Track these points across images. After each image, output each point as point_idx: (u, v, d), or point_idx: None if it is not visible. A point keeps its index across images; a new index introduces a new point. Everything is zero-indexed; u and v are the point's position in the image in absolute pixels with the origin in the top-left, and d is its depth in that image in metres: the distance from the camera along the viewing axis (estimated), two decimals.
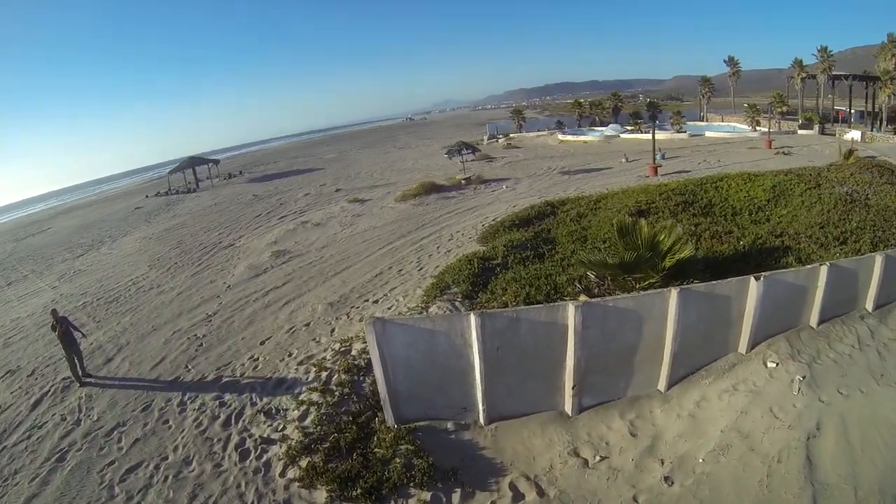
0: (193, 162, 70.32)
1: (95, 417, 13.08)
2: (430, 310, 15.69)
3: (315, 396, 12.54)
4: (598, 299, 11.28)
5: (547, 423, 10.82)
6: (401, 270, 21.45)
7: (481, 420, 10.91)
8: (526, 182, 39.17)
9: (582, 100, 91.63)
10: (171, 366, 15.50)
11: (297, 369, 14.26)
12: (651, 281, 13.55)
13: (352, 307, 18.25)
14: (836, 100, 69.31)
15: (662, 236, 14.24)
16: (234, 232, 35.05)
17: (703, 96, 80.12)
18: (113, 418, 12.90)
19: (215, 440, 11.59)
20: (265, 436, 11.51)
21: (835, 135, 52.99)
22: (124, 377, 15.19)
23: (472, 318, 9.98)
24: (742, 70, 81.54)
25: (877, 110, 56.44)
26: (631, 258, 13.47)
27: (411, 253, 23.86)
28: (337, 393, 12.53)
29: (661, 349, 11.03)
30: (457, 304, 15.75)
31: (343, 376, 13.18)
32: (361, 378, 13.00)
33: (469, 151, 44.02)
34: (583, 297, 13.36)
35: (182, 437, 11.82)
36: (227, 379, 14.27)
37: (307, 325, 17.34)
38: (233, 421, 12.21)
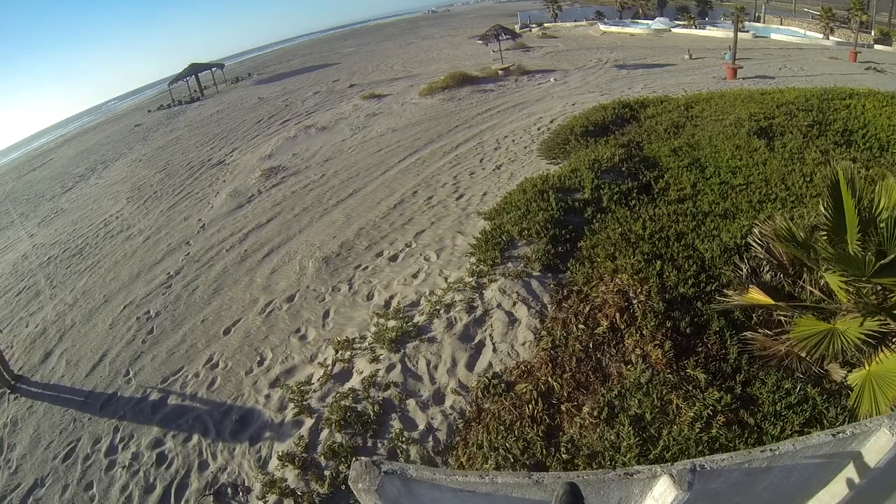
0: (195, 69, 62.04)
1: (14, 467, 8.61)
2: (488, 293, 8.99)
3: (291, 476, 6.75)
4: None
5: None
6: (430, 199, 14.59)
7: None
8: (577, 75, 31.07)
9: None
10: (111, 371, 10.61)
11: (268, 398, 8.44)
12: None
13: (356, 267, 11.70)
14: None
15: None
16: (228, 144, 28.41)
17: None
18: (32, 471, 8.44)
19: None
20: None
21: None
22: (58, 386, 10.67)
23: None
24: None
25: None
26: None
27: (444, 168, 16.87)
28: (327, 478, 6.53)
29: None
30: (533, 282, 9.00)
31: (337, 436, 7.08)
32: (368, 443, 6.94)
33: (508, 37, 36.47)
34: (755, 296, 6.67)
35: None
36: (173, 401, 9.16)
37: (290, 299, 11.17)
38: (171, 501, 7.09)
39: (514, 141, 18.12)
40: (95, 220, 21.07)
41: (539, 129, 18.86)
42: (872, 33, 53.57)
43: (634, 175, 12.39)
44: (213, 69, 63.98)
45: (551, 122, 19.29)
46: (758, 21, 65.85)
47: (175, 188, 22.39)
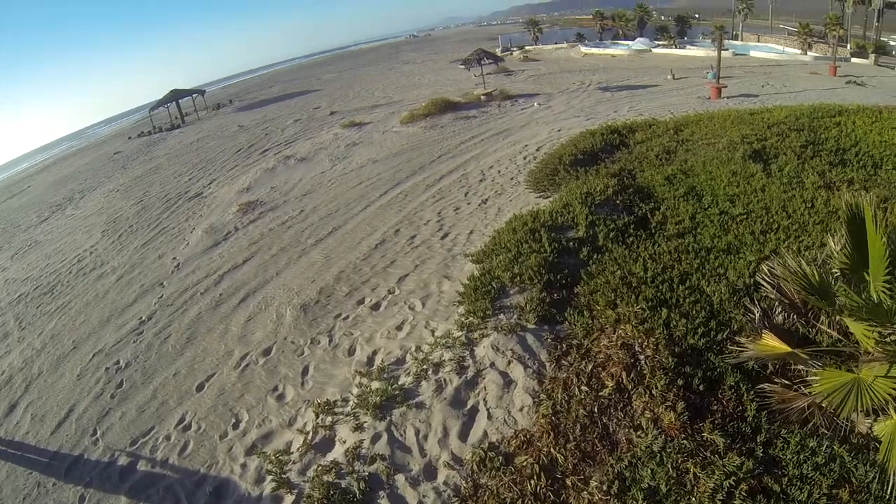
0: (176, 95, 60.96)
1: None
2: (480, 351, 8.17)
3: None
4: None
5: None
6: (413, 238, 13.78)
7: None
8: (561, 99, 30.48)
9: (604, 11, 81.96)
10: (77, 428, 9.80)
11: (244, 467, 7.65)
12: None
13: (336, 317, 10.86)
14: (881, 30, 60.34)
15: None
16: (206, 175, 27.49)
17: (740, 13, 70.56)
18: None
19: None
20: None
21: (894, 67, 45.68)
22: (22, 444, 9.86)
23: None
24: None
25: None
26: None
27: (427, 203, 16.07)
28: None
29: None
30: (529, 337, 8.23)
31: None
32: None
33: (491, 61, 35.91)
34: (769, 343, 6.02)
35: None
36: (142, 467, 8.33)
37: (267, 352, 10.31)
38: None
39: (499, 172, 17.44)
40: (69, 255, 20.21)
41: (525, 157, 18.23)
42: (849, 47, 54.33)
43: (629, 208, 11.72)
44: (194, 95, 63.06)
45: (537, 149, 18.68)
46: (736, 39, 66.37)
47: (151, 222, 21.50)
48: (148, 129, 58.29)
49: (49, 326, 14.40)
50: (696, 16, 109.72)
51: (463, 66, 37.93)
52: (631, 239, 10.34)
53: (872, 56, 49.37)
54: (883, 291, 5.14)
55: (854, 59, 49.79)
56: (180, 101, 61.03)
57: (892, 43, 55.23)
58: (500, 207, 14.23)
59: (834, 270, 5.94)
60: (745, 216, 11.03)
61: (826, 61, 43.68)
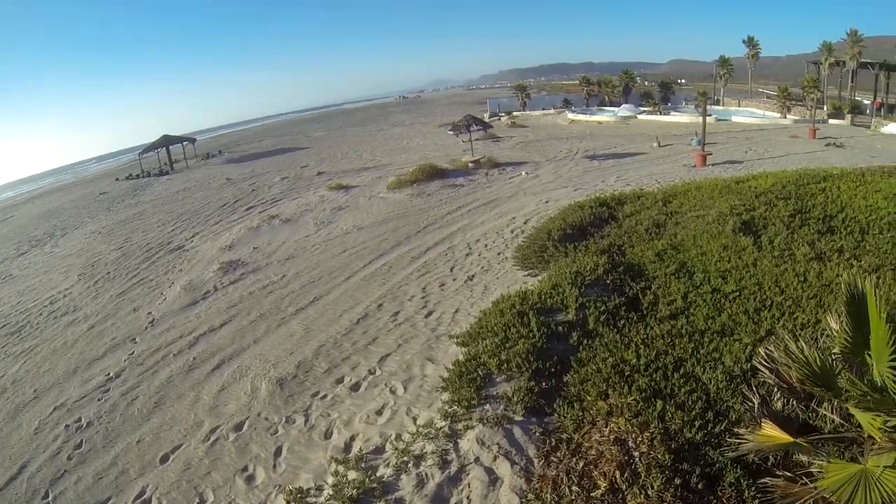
0: (167, 141, 61.01)
1: None
2: (464, 444, 7.63)
3: None
4: None
5: None
6: (397, 315, 13.31)
7: None
8: (548, 168, 30.58)
9: (591, 77, 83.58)
10: (28, 488, 9.18)
11: None
12: None
13: (314, 395, 10.32)
14: (856, 91, 62.63)
15: None
16: (190, 228, 27.10)
17: (721, 78, 72.39)
18: None
19: None
20: None
21: (869, 126, 47.93)
22: None
23: None
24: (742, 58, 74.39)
25: None
26: None
27: (412, 278, 15.65)
28: None
29: None
30: (516, 430, 7.74)
31: None
32: None
33: (480, 128, 35.93)
34: (769, 433, 5.66)
35: None
36: None
37: (238, 427, 9.73)
38: None
39: (486, 246, 17.16)
40: (42, 295, 19.78)
41: (513, 231, 18.00)
42: (826, 109, 56.04)
43: (620, 288, 11.37)
44: (185, 143, 62.96)
45: (525, 222, 18.48)
46: (717, 104, 67.94)
47: (130, 271, 21.05)
48: (136, 172, 58.23)
49: (12, 370, 13.97)
50: (680, 81, 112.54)
51: (451, 132, 37.86)
52: (622, 322, 9.96)
53: (849, 116, 51.18)
54: (888, 377, 4.84)
55: (832, 121, 51.44)
56: (171, 147, 60.99)
57: (865, 102, 57.36)
58: (486, 285, 13.87)
59: (835, 352, 5.70)
60: (737, 293, 10.78)
61: (805, 124, 44.91)
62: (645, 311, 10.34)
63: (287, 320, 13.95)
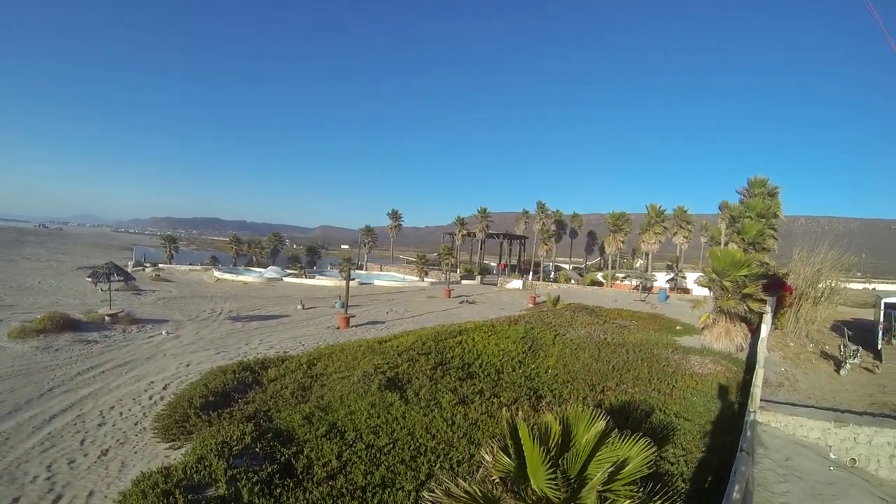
0: None
1: None
2: None
3: None
4: None
5: None
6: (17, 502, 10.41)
7: None
8: (190, 328, 28.40)
9: (240, 236, 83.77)
10: None
11: None
12: None
13: None
14: (483, 255, 76.32)
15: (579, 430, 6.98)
16: None
17: (365, 245, 78.96)
18: None
19: None
20: None
21: (496, 284, 59.32)
22: None
23: None
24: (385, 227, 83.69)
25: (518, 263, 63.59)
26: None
27: (35, 453, 12.06)
28: None
29: None
30: None
31: None
32: None
33: (122, 279, 32.72)
34: None
35: None
36: None
37: None
38: None
39: (121, 414, 14.82)
40: None
41: (151, 397, 15.97)
42: (458, 272, 65.72)
43: (271, 455, 10.58)
44: None
45: (164, 387, 16.62)
46: (361, 269, 73.59)
47: None
48: None
49: None
50: (326, 247, 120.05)
51: (90, 280, 34.07)
52: (279, 490, 9.18)
53: (479, 277, 62.67)
54: (547, 487, 5.84)
55: (464, 281, 61.50)
56: None
57: (492, 264, 72.03)
58: (124, 461, 11.76)
59: (493, 478, 6.45)
60: (391, 445, 11.04)
61: (441, 285, 51.57)
62: (301, 476, 9.75)
63: None
